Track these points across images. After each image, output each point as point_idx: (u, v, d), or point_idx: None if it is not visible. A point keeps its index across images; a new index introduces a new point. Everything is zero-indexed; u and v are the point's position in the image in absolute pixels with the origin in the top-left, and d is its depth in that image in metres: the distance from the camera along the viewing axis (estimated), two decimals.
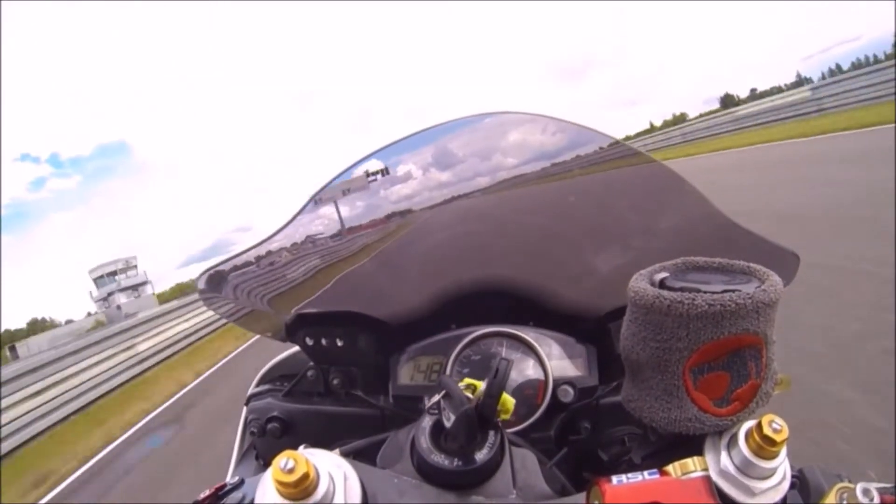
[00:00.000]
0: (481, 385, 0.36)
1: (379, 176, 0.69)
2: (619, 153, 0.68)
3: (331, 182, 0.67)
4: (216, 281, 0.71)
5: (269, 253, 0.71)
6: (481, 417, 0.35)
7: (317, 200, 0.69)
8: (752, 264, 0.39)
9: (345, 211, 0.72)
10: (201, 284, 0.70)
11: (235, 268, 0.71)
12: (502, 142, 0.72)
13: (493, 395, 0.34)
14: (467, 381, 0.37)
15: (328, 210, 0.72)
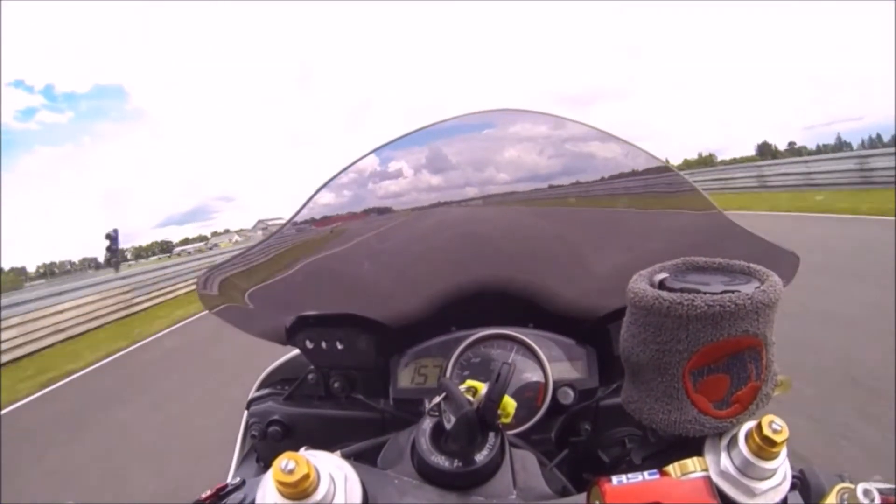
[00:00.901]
0: (482, 387, 0.36)
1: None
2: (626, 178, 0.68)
3: (329, 181, 0.67)
4: (216, 283, 0.71)
5: (269, 256, 0.71)
6: (482, 420, 0.35)
7: (315, 202, 0.69)
8: (751, 264, 0.39)
9: (337, 205, 0.71)
10: (201, 287, 0.70)
11: (235, 270, 0.71)
12: (497, 155, 0.72)
13: (494, 398, 0.34)
14: (469, 383, 0.37)
15: (326, 210, 0.72)
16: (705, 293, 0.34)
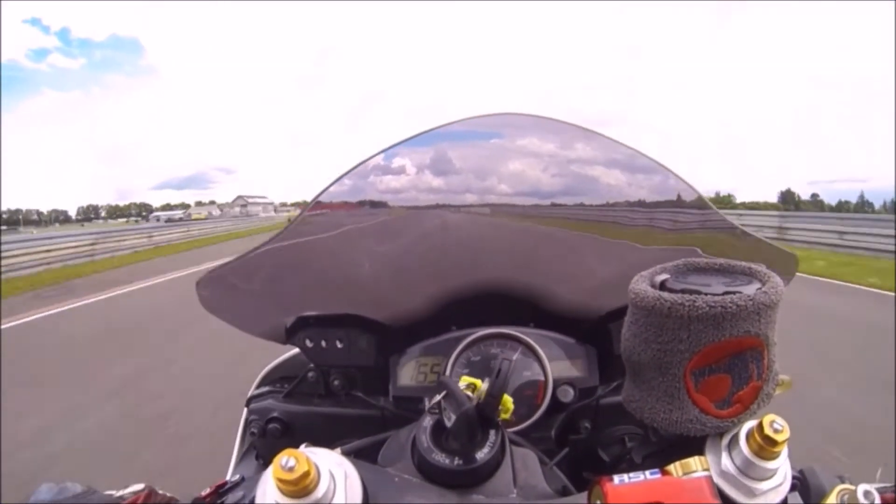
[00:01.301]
0: (481, 384, 0.36)
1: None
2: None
3: (333, 183, 0.68)
4: (216, 283, 0.71)
5: (270, 256, 0.71)
6: (482, 417, 0.35)
7: (318, 202, 0.69)
8: (753, 265, 0.39)
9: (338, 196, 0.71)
10: (202, 287, 0.70)
11: (236, 270, 0.71)
12: (502, 166, 0.72)
13: (494, 394, 0.34)
14: (467, 379, 0.37)
15: (329, 210, 0.72)
16: (707, 294, 0.34)
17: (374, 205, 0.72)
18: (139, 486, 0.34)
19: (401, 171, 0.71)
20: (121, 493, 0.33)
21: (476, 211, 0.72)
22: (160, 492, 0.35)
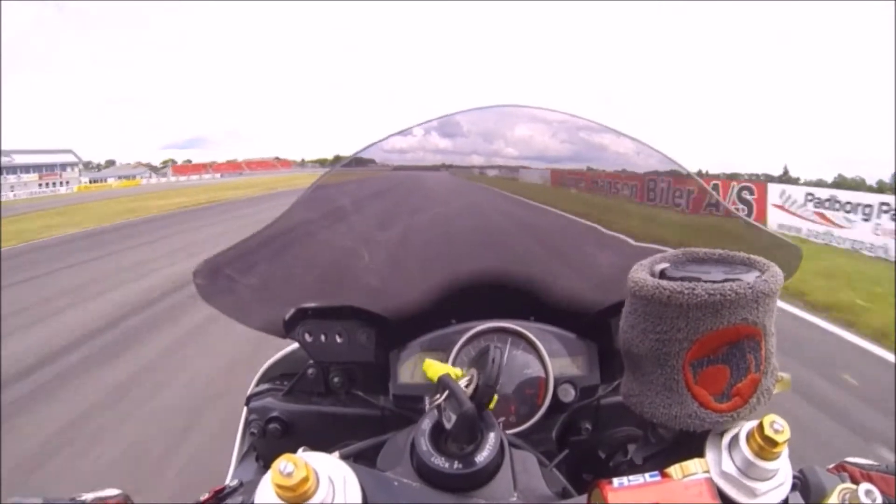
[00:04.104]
0: (471, 373, 0.36)
1: None
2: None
3: (331, 170, 0.67)
4: (214, 272, 0.70)
5: (268, 245, 0.70)
6: (481, 409, 0.35)
7: (317, 187, 0.68)
8: (752, 256, 0.40)
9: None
10: (199, 276, 0.69)
11: (234, 259, 0.70)
12: (508, 131, 0.72)
13: (491, 384, 0.34)
14: (459, 372, 0.37)
15: (328, 196, 0.71)
16: (706, 282, 0.34)
17: (379, 167, 0.71)
18: (114, 492, 0.34)
19: (408, 132, 0.71)
20: (95, 495, 0.33)
21: (482, 172, 0.72)
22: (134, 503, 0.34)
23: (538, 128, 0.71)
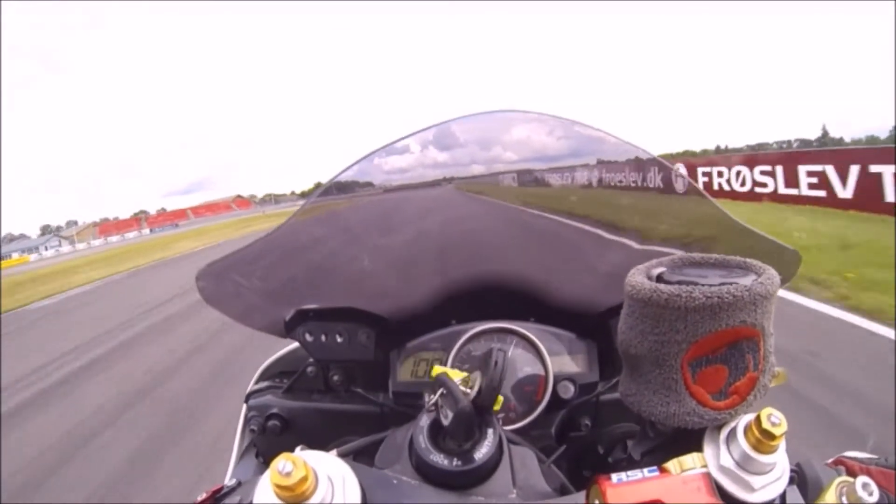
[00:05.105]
0: (477, 378, 0.36)
1: None
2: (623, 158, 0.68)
3: (335, 178, 0.67)
4: (216, 275, 0.70)
5: (270, 248, 0.71)
6: (479, 412, 0.35)
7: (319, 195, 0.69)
8: (748, 259, 0.40)
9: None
10: (201, 279, 0.69)
11: (236, 263, 0.71)
12: (505, 135, 0.72)
13: (493, 386, 0.35)
14: (458, 374, 0.37)
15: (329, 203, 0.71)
16: (703, 285, 0.34)
17: (378, 188, 0.71)
18: None
19: (405, 150, 0.71)
20: None
21: (483, 180, 0.72)
22: None
23: (533, 128, 0.71)
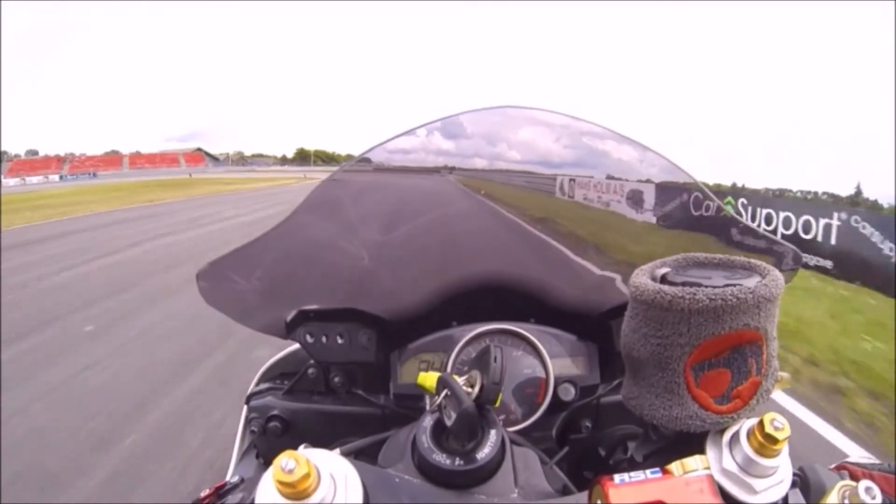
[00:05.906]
0: (479, 378, 0.36)
1: None
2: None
3: (337, 171, 0.67)
4: (217, 275, 0.70)
5: (271, 247, 0.70)
6: (482, 407, 0.35)
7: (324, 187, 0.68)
8: (752, 260, 0.39)
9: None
10: (202, 279, 0.69)
11: (237, 262, 0.71)
12: (512, 134, 0.72)
13: (496, 381, 0.35)
14: (457, 378, 0.37)
15: (332, 200, 0.71)
16: (707, 287, 0.34)
17: (372, 165, 0.71)
18: None
19: (412, 133, 0.70)
20: None
21: (483, 175, 0.71)
22: None
23: (541, 131, 0.71)
